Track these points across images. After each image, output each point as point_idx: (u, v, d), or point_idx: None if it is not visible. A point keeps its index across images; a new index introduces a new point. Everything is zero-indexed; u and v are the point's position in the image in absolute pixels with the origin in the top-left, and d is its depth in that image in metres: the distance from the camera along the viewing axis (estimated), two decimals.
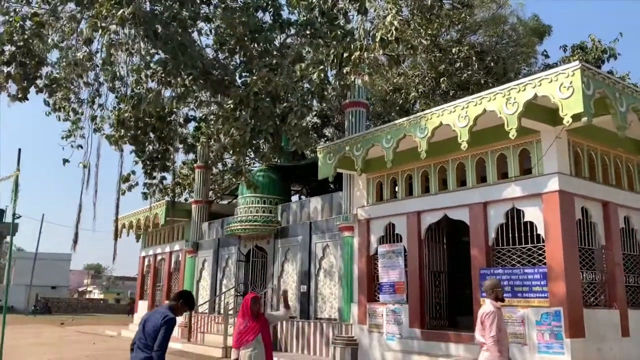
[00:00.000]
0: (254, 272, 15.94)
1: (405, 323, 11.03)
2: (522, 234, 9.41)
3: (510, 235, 9.55)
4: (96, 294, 77.52)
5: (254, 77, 10.93)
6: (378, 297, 11.89)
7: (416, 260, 11.03)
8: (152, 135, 14.21)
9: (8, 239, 66.35)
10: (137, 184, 14.59)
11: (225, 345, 13.81)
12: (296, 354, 13.64)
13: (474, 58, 14.54)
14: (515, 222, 9.51)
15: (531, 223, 9.28)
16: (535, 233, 9.18)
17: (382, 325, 11.53)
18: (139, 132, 13.31)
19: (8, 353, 12.95)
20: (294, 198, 19.90)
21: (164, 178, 14.87)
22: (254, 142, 10.63)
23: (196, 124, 15.95)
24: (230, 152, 10.94)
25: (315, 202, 14.49)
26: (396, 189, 12.15)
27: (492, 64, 14.78)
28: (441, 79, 14.69)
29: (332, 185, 19.72)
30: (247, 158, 13.90)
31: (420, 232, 11.10)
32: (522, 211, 9.41)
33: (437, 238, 11.32)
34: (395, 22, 9.47)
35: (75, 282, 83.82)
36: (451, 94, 14.59)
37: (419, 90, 15.30)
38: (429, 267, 11.09)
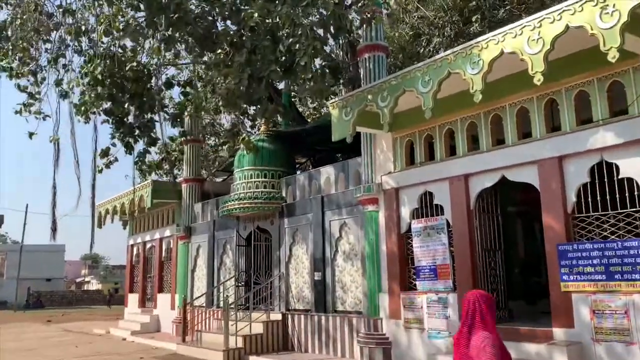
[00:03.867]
0: (257, 258, 13.57)
1: (454, 316, 8.69)
2: (616, 196, 7.02)
3: (598, 198, 7.17)
4: (94, 284, 75.41)
5: (249, 10, 8.43)
6: (415, 285, 9.54)
7: (465, 237, 8.66)
8: (129, 105, 11.82)
9: None
10: (116, 159, 12.19)
11: (227, 347, 11.50)
12: (314, 355, 11.34)
13: None
14: (606, 180, 7.11)
15: (630, 180, 6.89)
16: (637, 193, 6.80)
17: (422, 319, 9.20)
18: (115, 92, 10.84)
19: None
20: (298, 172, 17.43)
21: (147, 151, 12.45)
22: (252, 92, 8.13)
23: (182, 89, 13.45)
24: (224, 105, 8.45)
25: (327, 172, 12.06)
26: (432, 150, 9.71)
27: None
28: (473, 18, 12.17)
29: (340, 156, 17.33)
30: (244, 117, 11.43)
31: (469, 200, 8.70)
32: (615, 165, 7.01)
33: (489, 208, 8.92)
34: None
35: (72, 273, 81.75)
36: None
37: (445, 35, 12.78)
38: (482, 245, 8.71)
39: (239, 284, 14.01)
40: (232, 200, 13.51)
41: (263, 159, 13.52)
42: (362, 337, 10.08)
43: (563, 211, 7.44)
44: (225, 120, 19.52)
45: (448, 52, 7.94)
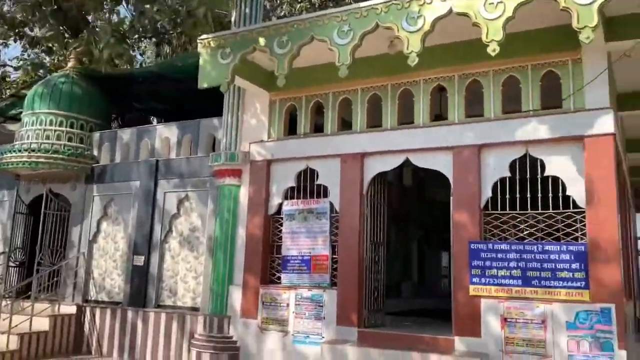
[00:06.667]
0: (46, 233, 10.19)
1: (330, 318, 7.29)
2: (537, 195, 6.47)
3: (516, 194, 6.54)
4: None
5: None
6: (279, 278, 7.89)
7: (354, 225, 7.34)
8: None
9: None
10: None
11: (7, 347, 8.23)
12: None
13: None
14: (528, 176, 6.52)
15: (555, 179, 6.39)
16: (560, 194, 6.30)
17: (287, 320, 7.59)
18: None
19: None
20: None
21: None
22: None
23: None
24: None
25: (167, 131, 9.62)
26: (317, 121, 8.22)
27: None
28: None
29: (154, 118, 14.69)
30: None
31: (362, 183, 7.43)
32: (540, 161, 6.46)
33: (379, 194, 7.77)
34: None
35: None
36: None
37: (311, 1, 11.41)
38: (371, 236, 7.51)
39: (12, 265, 10.44)
40: (17, 150, 9.97)
41: (71, 103, 10.28)
42: (199, 339, 8.00)
43: (477, 206, 6.64)
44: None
45: (378, 0, 6.53)
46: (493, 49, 5.69)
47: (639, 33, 5.84)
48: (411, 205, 13.10)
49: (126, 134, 10.08)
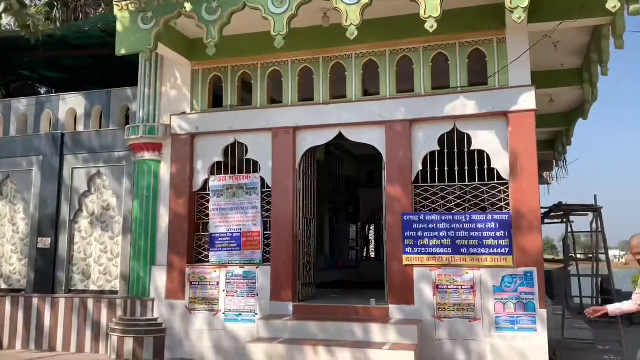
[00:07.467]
0: None
1: (263, 294, 7.18)
2: (464, 168, 6.81)
3: (445, 168, 6.81)
4: None
5: None
6: (207, 256, 7.61)
7: (287, 201, 7.24)
8: None
9: None
10: None
11: None
12: (25, 353, 8.04)
13: None
14: (456, 150, 6.83)
15: (480, 152, 6.74)
16: (486, 166, 6.67)
17: (217, 299, 7.36)
18: None
19: None
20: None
21: None
22: None
23: None
24: None
25: (73, 102, 8.76)
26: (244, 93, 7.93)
27: None
28: None
29: (40, 89, 13.47)
30: None
31: (295, 158, 7.33)
32: (467, 135, 6.78)
33: (310, 169, 7.73)
34: None
35: None
36: None
37: None
38: (303, 211, 7.46)
39: None
40: None
41: None
42: (119, 324, 7.52)
43: (408, 179, 6.83)
44: None
45: None
46: (431, 25, 5.80)
47: (560, 16, 6.23)
48: (322, 179, 13.22)
49: (22, 104, 9.05)
